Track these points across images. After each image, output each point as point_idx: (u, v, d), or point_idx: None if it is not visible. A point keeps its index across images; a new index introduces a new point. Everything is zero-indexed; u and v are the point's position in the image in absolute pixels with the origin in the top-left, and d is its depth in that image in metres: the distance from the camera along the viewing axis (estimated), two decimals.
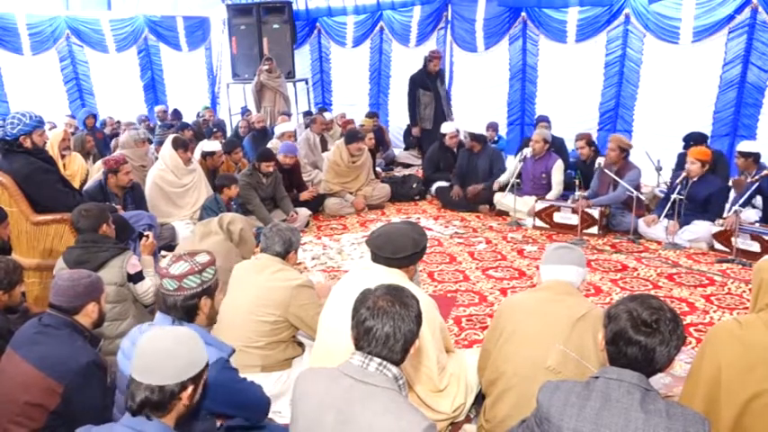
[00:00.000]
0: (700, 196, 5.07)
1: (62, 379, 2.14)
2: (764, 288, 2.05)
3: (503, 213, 6.20)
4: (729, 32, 6.84)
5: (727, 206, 5.15)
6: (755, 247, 4.63)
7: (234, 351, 2.20)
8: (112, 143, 7.99)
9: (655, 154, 6.32)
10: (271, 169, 5.75)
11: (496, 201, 6.22)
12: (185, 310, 2.11)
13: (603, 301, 4.04)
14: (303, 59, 10.95)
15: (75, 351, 2.24)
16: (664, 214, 5.14)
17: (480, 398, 2.63)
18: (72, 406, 2.14)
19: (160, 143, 6.41)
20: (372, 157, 7.16)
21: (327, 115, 8.80)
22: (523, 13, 8.63)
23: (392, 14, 10.04)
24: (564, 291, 2.35)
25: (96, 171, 5.50)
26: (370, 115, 9.04)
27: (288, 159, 6.14)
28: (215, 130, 8.06)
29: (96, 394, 2.21)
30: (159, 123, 9.33)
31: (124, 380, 1.99)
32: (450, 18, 9.45)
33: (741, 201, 4.81)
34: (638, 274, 4.55)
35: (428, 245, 2.77)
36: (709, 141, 6.13)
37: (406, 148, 9.47)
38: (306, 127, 8.09)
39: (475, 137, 6.66)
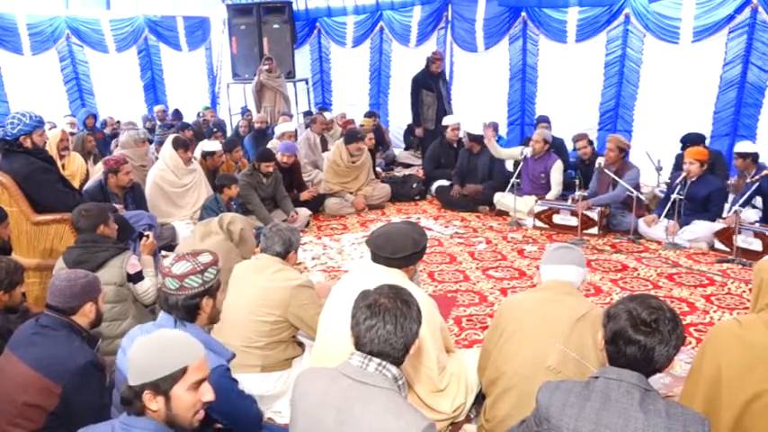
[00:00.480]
0: (699, 196, 5.07)
1: (60, 379, 2.13)
2: (765, 288, 2.05)
3: (503, 213, 6.20)
4: (729, 32, 6.84)
5: (727, 206, 5.16)
6: (757, 245, 4.63)
7: (234, 356, 2.19)
8: (112, 143, 7.99)
9: (655, 154, 6.32)
10: (270, 169, 5.76)
11: (496, 201, 6.22)
12: (186, 310, 2.11)
13: (603, 301, 4.04)
14: (303, 59, 10.95)
15: (72, 351, 2.24)
16: (664, 214, 5.14)
17: (480, 398, 2.63)
18: (70, 406, 2.14)
19: (160, 143, 6.42)
20: (372, 157, 7.16)
21: (327, 115, 8.80)
22: (523, 13, 8.63)
23: (392, 14, 10.04)
24: (564, 291, 2.35)
25: (97, 171, 5.50)
26: (370, 115, 9.04)
27: (286, 158, 6.14)
28: (215, 130, 8.06)
29: (95, 394, 2.21)
30: (159, 123, 9.33)
31: (123, 379, 2.00)
32: (450, 18, 9.45)
33: (741, 201, 4.81)
34: (638, 274, 4.55)
35: (428, 245, 2.77)
36: (707, 141, 6.13)
37: (406, 148, 9.48)
38: (306, 127, 8.09)
39: (473, 137, 6.66)
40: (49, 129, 6.08)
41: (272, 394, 2.85)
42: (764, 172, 4.94)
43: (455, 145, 7.04)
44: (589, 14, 8.01)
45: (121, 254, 3.24)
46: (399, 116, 10.16)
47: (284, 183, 6.00)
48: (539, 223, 5.73)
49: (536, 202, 5.77)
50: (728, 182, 5.64)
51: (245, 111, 9.71)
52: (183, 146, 5.48)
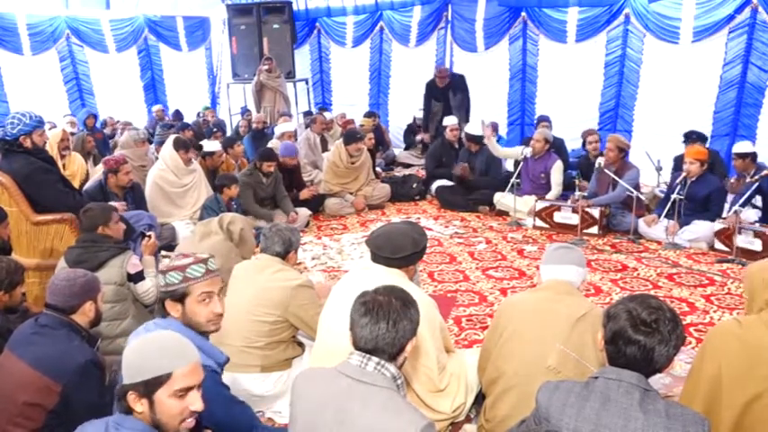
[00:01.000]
0: (699, 195, 5.07)
1: (60, 378, 2.14)
2: (758, 290, 2.06)
3: (503, 213, 6.20)
4: (729, 32, 6.84)
5: (727, 206, 5.16)
6: (757, 245, 4.63)
7: (228, 360, 2.18)
8: (112, 143, 8.00)
9: (655, 154, 6.32)
10: (272, 169, 5.76)
11: (496, 201, 6.22)
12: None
13: (603, 301, 4.04)
14: (303, 59, 10.96)
15: (72, 350, 2.24)
16: (664, 214, 5.13)
17: (480, 398, 2.63)
18: (70, 405, 2.14)
19: (160, 143, 6.41)
20: (372, 157, 7.16)
21: (327, 115, 8.81)
22: (523, 13, 8.64)
23: (392, 14, 10.04)
24: (564, 291, 2.35)
25: (97, 172, 5.50)
26: (370, 115, 9.04)
27: (289, 160, 6.16)
28: (215, 130, 8.06)
29: (95, 393, 2.21)
30: (160, 123, 9.32)
31: None
32: (450, 18, 9.46)
33: (741, 201, 4.81)
34: (638, 274, 4.55)
35: (428, 245, 2.77)
36: (708, 142, 6.13)
37: (406, 148, 9.47)
38: (306, 127, 8.09)
39: (471, 137, 6.66)
40: (50, 129, 6.08)
41: (272, 394, 2.85)
42: (764, 172, 4.94)
43: (456, 145, 7.03)
44: (589, 14, 8.01)
45: (122, 254, 3.24)
46: (399, 116, 10.17)
47: (284, 183, 6.00)
48: (539, 223, 5.73)
49: (536, 201, 5.77)
50: (730, 181, 5.64)
51: (244, 111, 9.72)
52: (183, 146, 5.48)
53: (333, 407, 1.69)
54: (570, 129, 8.11)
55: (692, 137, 5.86)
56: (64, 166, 5.21)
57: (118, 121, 9.30)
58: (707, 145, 5.96)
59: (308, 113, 9.57)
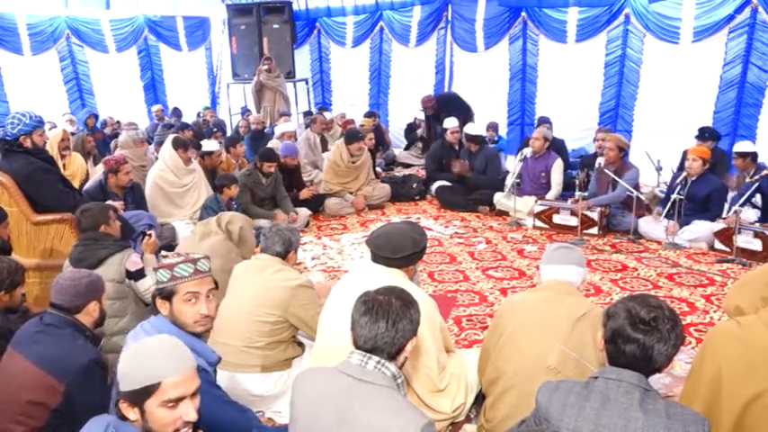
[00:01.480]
0: (699, 195, 5.07)
1: (64, 377, 2.14)
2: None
3: (503, 213, 6.21)
4: (729, 32, 6.85)
5: (726, 206, 5.16)
6: (757, 245, 4.63)
7: (219, 360, 2.18)
8: (112, 143, 7.99)
9: (655, 154, 6.32)
10: (272, 170, 5.76)
11: (496, 201, 6.22)
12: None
13: (603, 301, 4.04)
14: (303, 59, 10.96)
15: (76, 350, 2.25)
16: (664, 214, 5.13)
17: (480, 398, 2.63)
18: (74, 405, 2.15)
19: (160, 143, 6.41)
20: (372, 157, 7.16)
21: (327, 115, 8.81)
22: (523, 13, 8.64)
23: (392, 14, 10.04)
24: (564, 291, 2.35)
25: (97, 172, 5.49)
26: (370, 115, 9.04)
27: (290, 161, 6.16)
28: (215, 130, 8.06)
29: (97, 393, 2.21)
30: (160, 124, 9.32)
31: None
32: (450, 18, 9.46)
33: (741, 200, 4.81)
34: (638, 274, 4.55)
35: (428, 245, 2.77)
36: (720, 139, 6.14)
37: (406, 148, 9.48)
38: (306, 127, 8.09)
39: (471, 137, 6.67)
40: (50, 129, 6.09)
41: (272, 394, 2.85)
42: (764, 172, 4.94)
43: (456, 147, 7.03)
44: (589, 14, 8.01)
45: (121, 251, 3.24)
46: (399, 116, 10.18)
47: (284, 183, 6.00)
48: (539, 223, 5.73)
49: (536, 202, 5.77)
50: (731, 177, 5.65)
51: (245, 111, 9.73)
52: (182, 146, 5.48)
53: (333, 406, 1.69)
54: (570, 129, 8.13)
55: (705, 134, 5.86)
56: (64, 166, 5.21)
57: (118, 122, 9.30)
58: (718, 143, 5.98)
59: (308, 113, 9.57)
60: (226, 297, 2.90)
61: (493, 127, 8.42)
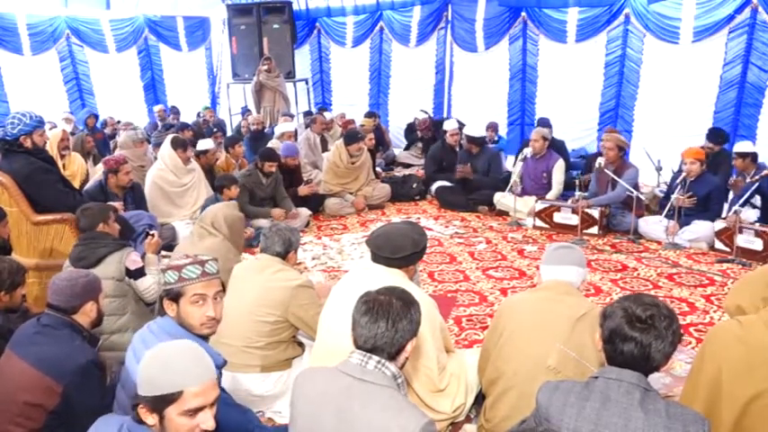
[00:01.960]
0: (699, 195, 5.08)
1: (61, 379, 2.14)
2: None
3: (503, 213, 6.20)
4: (729, 32, 6.84)
5: (726, 206, 5.16)
6: (758, 244, 4.63)
7: (225, 362, 2.18)
8: (112, 143, 7.99)
9: (655, 154, 6.32)
10: (273, 170, 5.76)
11: (496, 201, 6.22)
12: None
13: (603, 301, 4.03)
14: (303, 59, 10.95)
15: (73, 350, 2.24)
16: (664, 214, 5.13)
17: (480, 398, 2.63)
18: (71, 406, 2.14)
19: (158, 144, 6.40)
20: (372, 157, 7.15)
21: (327, 115, 8.80)
22: (523, 13, 8.64)
23: (392, 14, 10.04)
24: (564, 291, 2.35)
25: (97, 172, 5.49)
26: (370, 115, 9.04)
27: (290, 161, 6.16)
28: (215, 130, 8.06)
29: (95, 394, 2.21)
30: (161, 124, 9.31)
31: (128, 378, 1.99)
32: (450, 18, 9.46)
33: (741, 201, 4.81)
34: (638, 274, 4.55)
35: (428, 245, 2.77)
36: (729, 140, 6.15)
37: (406, 148, 9.48)
38: (306, 127, 8.09)
39: (471, 139, 6.66)
40: (50, 129, 6.08)
41: (272, 394, 2.85)
42: (764, 172, 4.93)
43: (456, 148, 7.03)
44: (589, 14, 8.01)
45: (121, 249, 3.24)
46: (399, 116, 10.18)
47: (284, 182, 6.00)
48: (539, 223, 5.73)
49: (536, 201, 5.77)
50: (732, 178, 5.65)
51: (245, 111, 9.71)
52: (181, 145, 5.48)
53: (333, 405, 1.69)
54: (570, 129, 8.13)
55: (717, 139, 5.86)
56: (64, 166, 5.21)
57: (119, 122, 9.29)
58: (726, 145, 5.99)
59: (308, 113, 9.57)
60: (225, 297, 2.89)
61: (492, 127, 8.41)
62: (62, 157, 5.29)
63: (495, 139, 8.46)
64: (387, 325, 1.72)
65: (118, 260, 3.20)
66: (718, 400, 1.89)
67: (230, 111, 10.39)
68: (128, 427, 1.61)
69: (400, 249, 2.48)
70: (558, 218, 5.61)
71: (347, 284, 2.54)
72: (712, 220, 5.02)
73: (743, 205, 4.80)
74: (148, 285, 3.27)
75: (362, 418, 1.64)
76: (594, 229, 5.42)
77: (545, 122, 7.48)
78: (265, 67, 8.81)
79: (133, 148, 5.77)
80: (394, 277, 2.41)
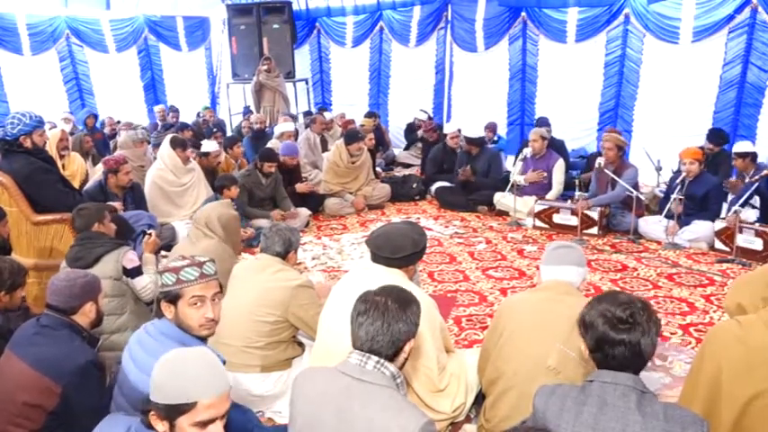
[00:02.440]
0: (698, 194, 5.08)
1: (60, 379, 2.13)
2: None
3: (503, 213, 6.20)
4: (729, 32, 6.84)
5: (726, 206, 5.16)
6: (758, 244, 4.63)
7: (224, 362, 2.18)
8: (112, 143, 7.99)
9: (654, 154, 6.32)
10: (272, 170, 5.75)
11: (496, 201, 6.22)
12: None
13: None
14: (303, 59, 10.95)
15: (72, 351, 2.24)
16: (664, 214, 5.13)
17: (480, 398, 2.63)
18: (70, 406, 2.14)
19: (157, 145, 6.40)
20: (372, 157, 7.15)
21: (327, 115, 8.80)
22: (523, 13, 8.63)
23: (392, 14, 10.04)
24: (564, 291, 2.35)
25: (96, 172, 5.49)
26: (370, 115, 9.04)
27: (289, 160, 6.15)
28: (215, 130, 8.05)
29: (95, 394, 2.21)
30: (161, 124, 9.31)
31: (125, 381, 1.99)
32: (450, 18, 9.46)
33: (740, 201, 4.80)
34: (638, 274, 4.55)
35: (428, 245, 2.77)
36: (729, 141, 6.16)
37: (406, 148, 9.48)
38: (306, 127, 8.09)
39: (470, 140, 6.65)
40: (49, 129, 6.07)
41: (272, 394, 2.85)
42: (764, 172, 4.93)
43: (457, 150, 7.03)
44: (589, 14, 8.01)
45: (117, 249, 3.24)
46: (399, 116, 10.18)
47: (284, 182, 6.00)
48: (539, 223, 5.73)
49: (536, 202, 5.77)
50: (730, 180, 5.66)
51: (246, 111, 9.70)
52: (180, 145, 5.48)
53: (333, 405, 1.69)
54: (570, 129, 8.13)
55: (719, 140, 5.87)
56: (63, 166, 5.20)
57: (119, 122, 9.29)
58: (726, 145, 6.00)
59: (307, 113, 9.57)
60: (225, 297, 2.90)
61: (491, 127, 8.41)
62: (61, 157, 5.28)
63: (495, 139, 8.46)
64: (383, 327, 1.72)
65: (115, 259, 3.20)
66: (718, 400, 1.89)
67: (230, 111, 10.39)
68: (136, 430, 1.61)
69: (400, 249, 2.48)
70: (557, 218, 5.62)
71: (347, 284, 2.54)
72: (712, 220, 5.02)
73: (742, 205, 4.80)
74: (145, 284, 3.28)
75: (362, 417, 1.64)
76: (594, 230, 5.42)
77: (544, 121, 7.48)
78: (265, 67, 8.81)
79: (133, 148, 5.77)
80: (394, 277, 2.41)
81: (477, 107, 9.18)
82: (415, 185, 7.09)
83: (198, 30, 11.26)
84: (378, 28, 10.24)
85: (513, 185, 5.83)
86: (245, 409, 2.44)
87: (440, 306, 2.74)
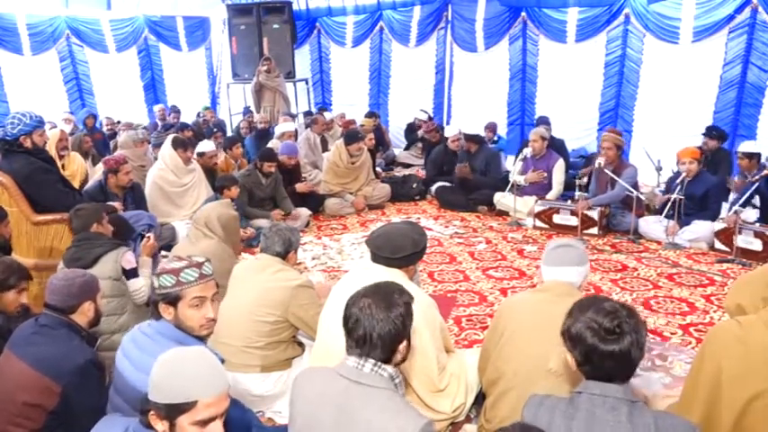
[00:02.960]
0: (697, 194, 5.08)
1: (60, 379, 2.13)
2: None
3: (503, 213, 6.20)
4: (729, 32, 6.84)
5: (727, 206, 5.16)
6: (757, 245, 4.63)
7: (222, 362, 2.18)
8: (112, 143, 7.99)
9: (654, 154, 6.32)
10: (272, 169, 5.75)
11: (496, 201, 6.22)
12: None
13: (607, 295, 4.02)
14: (303, 59, 10.95)
15: (72, 350, 2.24)
16: (664, 214, 5.13)
17: (480, 398, 2.63)
18: (70, 406, 2.14)
19: (157, 145, 6.39)
20: (372, 157, 7.16)
21: (327, 115, 8.80)
22: (523, 13, 8.63)
23: (392, 14, 10.04)
24: (565, 292, 2.34)
25: (96, 173, 5.49)
26: (370, 115, 9.04)
27: (288, 160, 6.15)
28: (215, 130, 8.05)
29: (94, 393, 2.20)
30: (161, 124, 9.30)
31: (121, 380, 1.99)
32: (450, 18, 9.46)
33: (741, 201, 4.80)
34: (638, 274, 4.55)
35: (428, 245, 2.77)
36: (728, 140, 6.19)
37: (406, 148, 9.48)
38: (306, 127, 8.09)
39: (469, 137, 6.66)
40: (50, 129, 6.07)
41: (272, 394, 2.85)
42: (764, 172, 4.93)
43: (458, 152, 7.03)
44: (589, 14, 8.01)
45: (116, 249, 3.24)
46: (399, 116, 10.18)
47: (284, 182, 5.99)
48: (539, 223, 5.73)
49: (536, 202, 5.77)
50: (733, 180, 5.66)
51: (246, 111, 9.71)
52: (182, 145, 5.48)
53: (332, 407, 1.69)
54: (570, 129, 8.13)
55: (712, 133, 5.88)
56: (63, 166, 5.20)
57: (119, 122, 9.29)
58: (725, 144, 6.01)
59: (308, 113, 9.57)
60: (225, 297, 2.90)
61: (491, 127, 8.41)
62: (60, 157, 5.28)
63: (495, 139, 8.45)
64: (370, 328, 1.72)
65: (114, 259, 3.19)
66: (718, 401, 1.88)
67: (230, 111, 10.39)
68: (134, 430, 1.60)
69: (400, 249, 2.48)
70: (557, 219, 5.61)
71: (347, 284, 2.54)
72: (712, 220, 5.02)
73: (743, 205, 4.80)
74: (139, 287, 3.28)
75: (361, 419, 1.64)
76: (594, 229, 5.42)
77: (544, 121, 7.48)
78: (265, 68, 8.81)
79: (133, 148, 5.77)
80: (394, 277, 2.40)
81: (477, 107, 9.18)
82: (415, 185, 7.09)
83: (198, 30, 11.25)
84: (378, 28, 10.24)
85: (513, 185, 5.83)
86: (245, 408, 2.44)
87: (440, 306, 2.74)
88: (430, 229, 5.78)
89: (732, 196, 5.29)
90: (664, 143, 6.95)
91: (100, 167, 5.22)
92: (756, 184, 4.90)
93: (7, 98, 10.01)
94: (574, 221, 5.47)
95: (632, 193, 5.16)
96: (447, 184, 6.78)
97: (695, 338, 3.50)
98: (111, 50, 10.97)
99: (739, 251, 4.71)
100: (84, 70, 10.86)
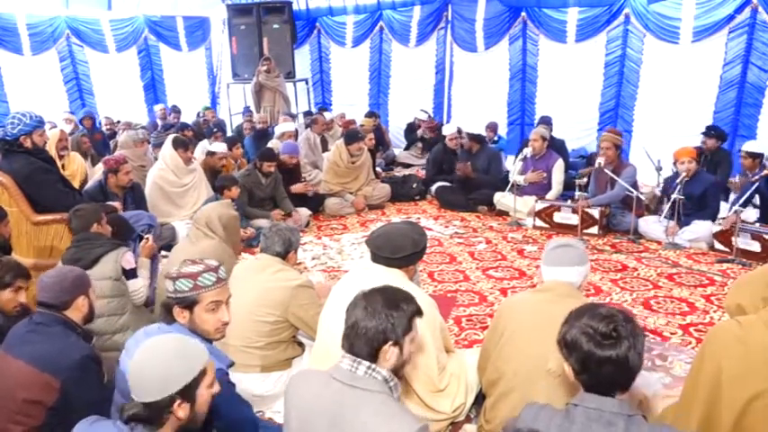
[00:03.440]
0: (696, 193, 5.08)
1: (59, 374, 2.13)
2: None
3: (503, 213, 6.20)
4: (729, 32, 6.84)
5: (727, 206, 5.16)
6: (756, 246, 4.63)
7: (232, 363, 2.18)
8: (112, 143, 7.98)
9: (654, 154, 6.32)
10: (272, 169, 5.75)
11: (496, 201, 6.22)
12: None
13: (604, 301, 4.03)
14: (303, 59, 10.95)
15: (68, 346, 2.24)
16: (664, 215, 5.13)
17: (480, 398, 2.63)
18: (70, 401, 2.14)
19: (157, 145, 6.39)
20: (372, 157, 7.15)
21: (327, 115, 8.80)
22: (523, 13, 8.63)
23: (392, 14, 10.04)
24: (565, 292, 2.34)
25: (96, 172, 5.49)
26: (370, 115, 9.04)
27: (289, 159, 6.15)
28: (215, 130, 8.05)
29: (94, 388, 2.21)
30: (161, 123, 9.30)
31: (123, 381, 1.99)
32: (450, 18, 9.46)
33: (741, 200, 4.81)
34: (638, 274, 4.55)
35: (428, 245, 2.77)
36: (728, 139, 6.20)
37: (406, 148, 9.48)
38: (306, 127, 8.09)
39: (472, 137, 6.67)
40: (50, 129, 6.07)
41: (272, 394, 2.85)
42: (765, 171, 4.93)
43: (457, 151, 7.03)
44: (589, 14, 8.01)
45: (116, 249, 3.24)
46: (399, 116, 10.18)
47: (284, 182, 5.99)
48: (539, 223, 5.73)
49: (536, 201, 5.77)
50: (734, 180, 5.66)
51: (246, 111, 9.71)
52: (182, 145, 5.48)
53: (326, 411, 1.69)
54: (570, 129, 8.13)
55: (711, 132, 5.89)
56: (63, 166, 5.20)
57: (118, 122, 9.28)
58: (725, 143, 6.02)
59: (308, 113, 9.56)
60: None
61: (492, 127, 8.41)
62: (60, 157, 5.28)
63: (495, 139, 8.46)
64: (354, 324, 1.73)
65: (114, 260, 3.19)
66: (718, 401, 1.88)
67: (230, 111, 10.39)
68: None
69: (400, 249, 2.48)
70: (558, 218, 5.61)
71: (347, 284, 2.54)
72: (712, 219, 5.01)
73: (743, 205, 4.80)
74: (138, 288, 3.28)
75: (355, 423, 1.63)
76: (594, 229, 5.42)
77: (546, 120, 7.49)
78: (264, 68, 8.81)
79: (133, 148, 5.77)
80: (394, 277, 2.41)
81: (478, 107, 9.18)
82: (414, 185, 7.09)
83: (198, 30, 11.25)
84: (378, 28, 10.24)
85: (513, 185, 5.83)
86: (250, 404, 2.45)
87: (440, 306, 2.74)
88: (430, 229, 5.78)
89: (732, 196, 5.29)
90: (664, 143, 6.95)
91: (99, 167, 5.22)
92: (756, 184, 4.90)
93: (7, 98, 10.01)
94: (574, 220, 5.47)
95: (632, 192, 5.16)
96: (447, 184, 6.78)
97: (695, 338, 3.50)
98: (112, 50, 10.97)
99: (739, 251, 4.71)
100: (84, 70, 10.86)
